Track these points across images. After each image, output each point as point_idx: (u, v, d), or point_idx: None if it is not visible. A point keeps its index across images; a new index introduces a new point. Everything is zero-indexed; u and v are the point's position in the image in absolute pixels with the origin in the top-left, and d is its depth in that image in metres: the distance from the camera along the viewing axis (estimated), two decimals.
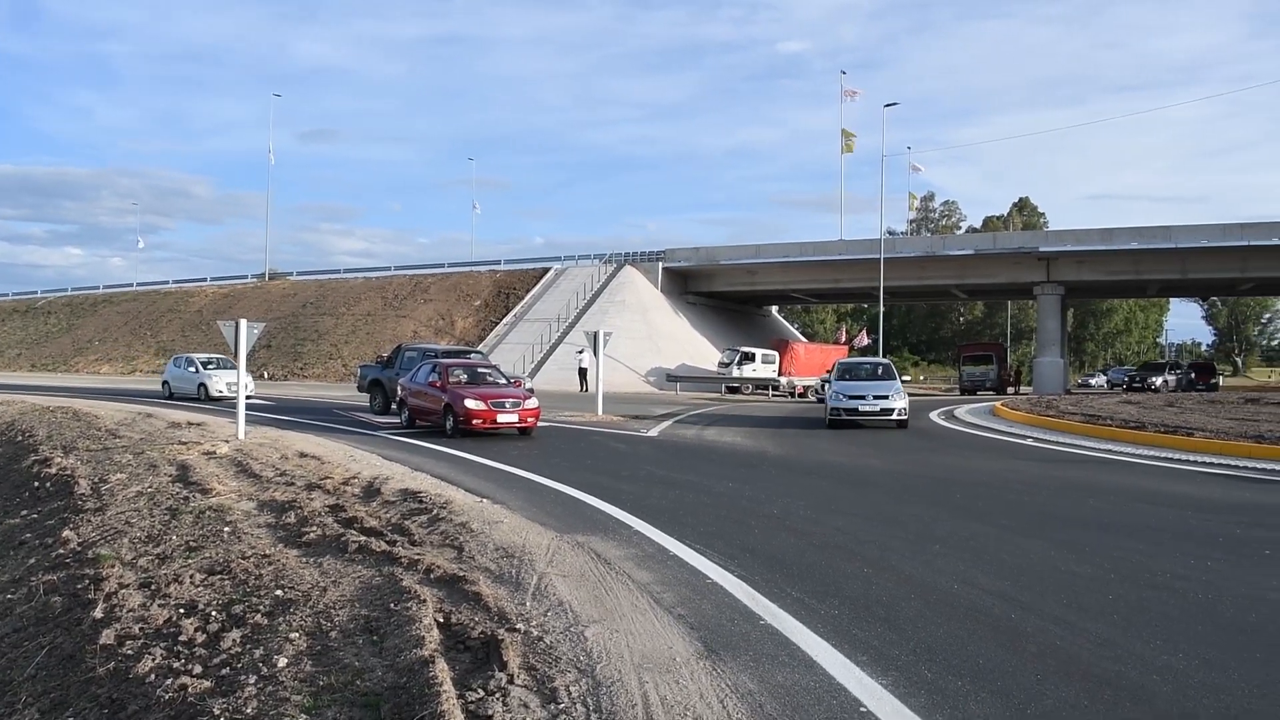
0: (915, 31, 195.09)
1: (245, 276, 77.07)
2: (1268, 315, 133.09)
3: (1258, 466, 14.86)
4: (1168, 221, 51.77)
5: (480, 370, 21.45)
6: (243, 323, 17.34)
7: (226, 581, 7.03)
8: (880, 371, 25.13)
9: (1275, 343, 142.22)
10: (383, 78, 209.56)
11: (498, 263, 66.02)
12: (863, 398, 22.57)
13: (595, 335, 27.48)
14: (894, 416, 22.25)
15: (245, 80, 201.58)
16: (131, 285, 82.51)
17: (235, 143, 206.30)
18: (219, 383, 32.01)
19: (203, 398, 31.74)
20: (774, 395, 46.73)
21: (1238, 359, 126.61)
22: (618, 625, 5.90)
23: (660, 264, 58.29)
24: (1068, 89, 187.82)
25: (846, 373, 25.27)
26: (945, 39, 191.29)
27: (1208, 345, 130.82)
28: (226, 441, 15.80)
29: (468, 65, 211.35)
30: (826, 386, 27.67)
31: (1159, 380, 43.27)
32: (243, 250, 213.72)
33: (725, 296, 63.32)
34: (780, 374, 48.85)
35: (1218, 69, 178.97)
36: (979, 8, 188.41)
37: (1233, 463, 15.41)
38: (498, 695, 4.62)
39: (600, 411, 26.25)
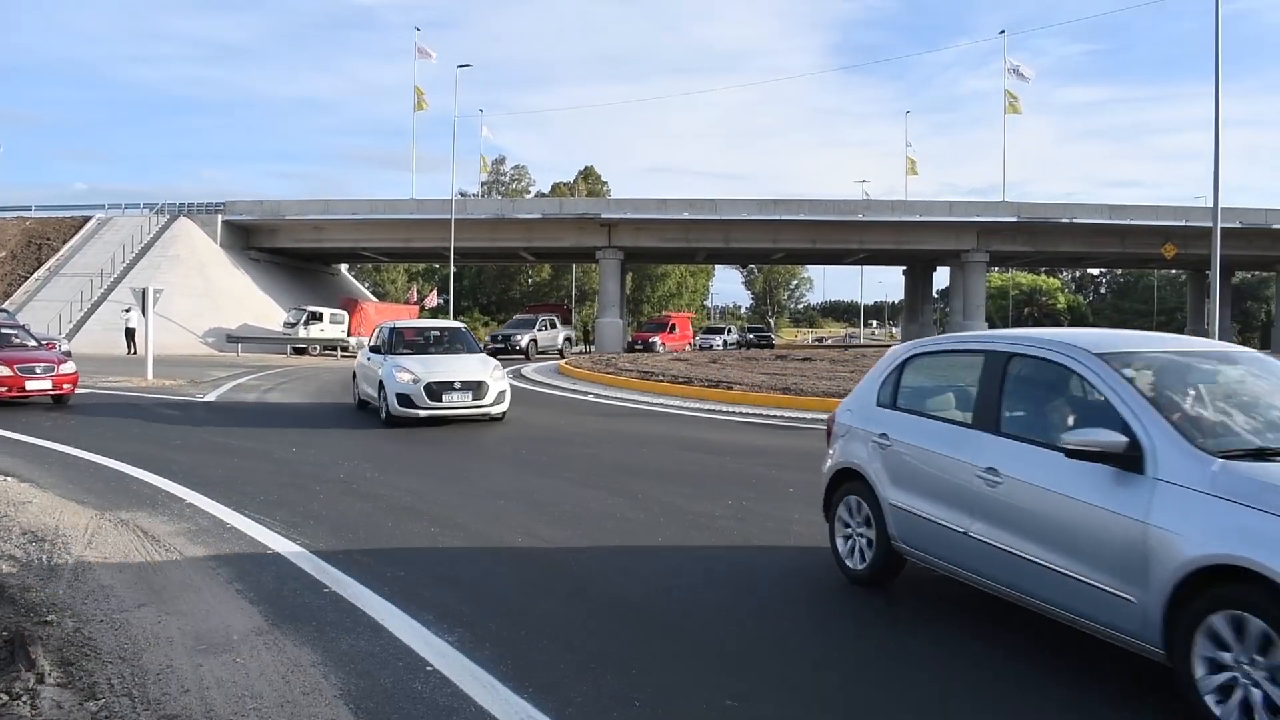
0: None
1: None
2: (795, 282, 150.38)
3: (785, 415, 16.70)
4: (714, 195, 56.70)
5: (4, 331, 18.99)
6: None
7: None
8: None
9: (801, 306, 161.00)
10: None
11: (28, 209, 58.27)
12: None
13: (144, 292, 25.19)
14: None
15: None
16: None
17: None
18: None
19: None
20: (343, 356, 45.60)
21: (771, 320, 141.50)
22: (168, 607, 5.51)
23: (220, 217, 54.52)
24: (630, 66, 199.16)
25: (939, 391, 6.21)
26: (518, 5, 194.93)
27: (747, 308, 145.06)
28: None
29: None
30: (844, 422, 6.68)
31: (525, 339, 45.39)
32: None
33: (292, 253, 60.53)
34: (349, 334, 47.81)
35: (756, 59, 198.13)
36: None
37: (765, 412, 17.21)
38: (25, 699, 4.13)
39: (150, 375, 24.22)
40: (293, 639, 4.98)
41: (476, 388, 14.92)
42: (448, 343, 16.90)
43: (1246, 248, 54.63)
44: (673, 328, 56.61)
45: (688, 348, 55.25)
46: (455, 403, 14.69)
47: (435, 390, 14.54)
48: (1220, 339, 34.04)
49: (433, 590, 5.90)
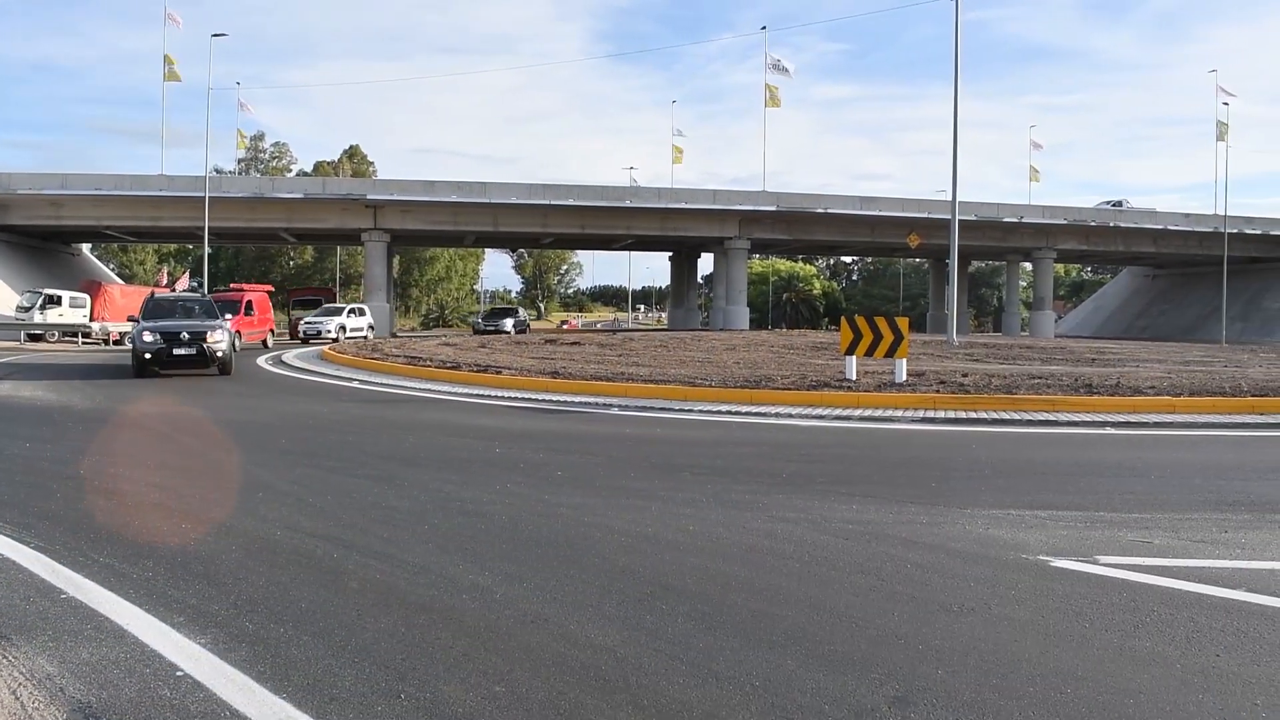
0: None
1: None
2: (565, 267, 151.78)
3: (552, 399, 16.79)
4: (484, 178, 56.36)
5: None
6: None
7: None
8: None
9: (570, 291, 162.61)
10: None
11: None
12: None
13: None
14: None
15: None
16: None
17: None
18: None
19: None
20: (85, 343, 42.68)
21: (541, 305, 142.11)
22: None
23: None
24: (398, 44, 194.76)
25: None
26: None
27: (518, 292, 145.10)
28: None
29: None
30: None
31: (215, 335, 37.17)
32: None
33: (25, 231, 55.92)
34: (92, 319, 44.85)
35: (527, 43, 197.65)
36: None
37: (534, 396, 17.26)
38: None
39: None
40: (24, 650, 4.61)
41: None
42: None
43: (981, 239, 59.24)
44: (248, 307, 39.03)
45: (270, 337, 42.35)
46: None
47: None
48: (957, 322, 36.68)
49: (182, 590, 5.60)
